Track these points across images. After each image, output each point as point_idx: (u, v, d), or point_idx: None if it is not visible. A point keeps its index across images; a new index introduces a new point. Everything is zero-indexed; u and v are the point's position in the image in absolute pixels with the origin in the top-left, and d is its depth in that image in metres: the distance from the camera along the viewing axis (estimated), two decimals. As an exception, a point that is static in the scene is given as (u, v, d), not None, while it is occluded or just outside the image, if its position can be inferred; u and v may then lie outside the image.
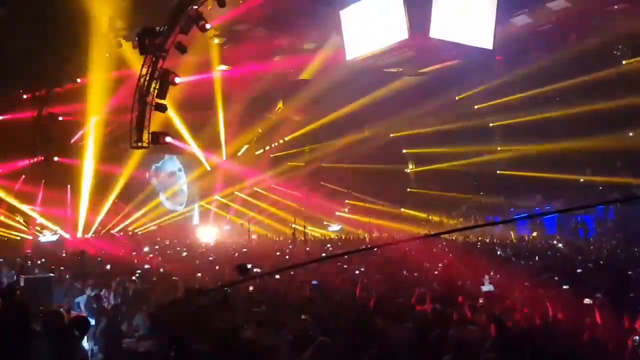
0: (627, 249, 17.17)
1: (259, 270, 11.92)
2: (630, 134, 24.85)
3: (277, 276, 11.02)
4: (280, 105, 29.11)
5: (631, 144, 24.36)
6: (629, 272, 11.81)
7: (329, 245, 22.13)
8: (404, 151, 33.33)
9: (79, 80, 21.66)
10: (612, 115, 22.35)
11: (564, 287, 9.93)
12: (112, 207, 27.30)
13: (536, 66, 22.35)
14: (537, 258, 15.51)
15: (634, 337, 6.54)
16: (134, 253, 19.34)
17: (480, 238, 23.32)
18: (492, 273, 11.29)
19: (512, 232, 25.56)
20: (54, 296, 9.90)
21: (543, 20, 20.25)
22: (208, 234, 29.14)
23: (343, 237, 27.54)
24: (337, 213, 33.31)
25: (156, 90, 15.38)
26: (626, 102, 22.49)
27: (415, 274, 12.79)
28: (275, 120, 30.21)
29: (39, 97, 21.93)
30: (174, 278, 12.13)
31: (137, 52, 15.96)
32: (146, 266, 14.71)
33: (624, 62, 22.67)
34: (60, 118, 22.87)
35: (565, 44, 20.85)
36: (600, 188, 25.38)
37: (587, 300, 8.26)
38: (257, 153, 32.89)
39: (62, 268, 13.98)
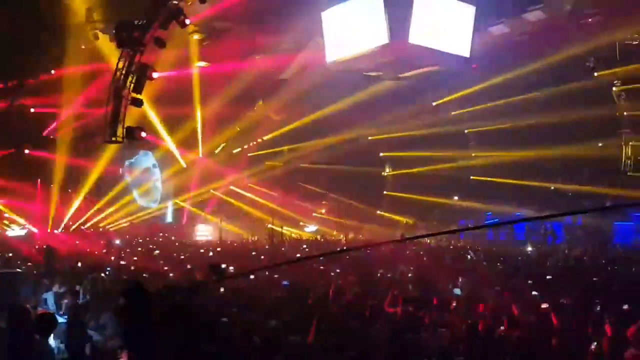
0: (594, 256, 17.57)
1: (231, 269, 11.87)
2: (600, 144, 25.46)
3: (252, 276, 10.97)
4: (259, 104, 29.01)
5: (600, 154, 24.99)
6: (595, 279, 12.09)
7: (305, 246, 22.13)
8: (381, 154, 33.55)
9: (53, 72, 21.28)
10: (583, 126, 22.85)
11: (532, 292, 10.14)
12: (83, 203, 26.82)
13: (511, 75, 22.75)
14: (507, 263, 15.79)
15: (593, 343, 6.71)
16: (104, 250, 19.06)
17: (452, 242, 23.59)
18: (461, 278, 11.42)
19: (484, 237, 25.96)
20: (21, 292, 9.69)
21: (519, 31, 20.62)
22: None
23: (319, 238, 27.58)
24: (314, 214, 33.33)
25: (132, 85, 15.20)
26: (596, 113, 23.06)
27: (389, 275, 12.88)
28: (254, 119, 30.08)
29: (11, 87, 21.47)
30: (144, 275, 12.01)
31: (114, 46, 15.75)
32: (122, 262, 14.53)
33: (595, 73, 23.25)
34: (33, 110, 22.40)
35: (539, 54, 21.25)
36: (570, 194, 25.96)
37: (544, 305, 8.43)
38: (234, 152, 32.69)
39: (29, 264, 13.72)
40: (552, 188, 27.15)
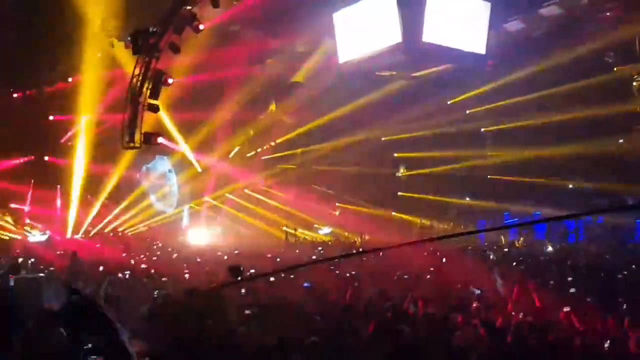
0: (615, 253, 17.33)
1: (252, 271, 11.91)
2: (620, 140, 25.07)
3: (272, 279, 11.00)
4: (272, 107, 29.08)
5: (621, 151, 24.61)
6: (619, 276, 11.94)
7: (320, 248, 22.12)
8: (395, 155, 33.43)
9: (70, 79, 21.57)
10: (602, 122, 22.54)
11: (555, 291, 10.05)
12: (102, 208, 27.13)
13: (528, 72, 22.51)
14: (528, 261, 15.65)
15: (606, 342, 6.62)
16: (124, 254, 19.23)
17: (471, 242, 23.37)
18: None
19: (502, 237, 25.68)
20: (44, 297, 9.79)
21: (535, 27, 20.43)
22: (199, 236, 29.10)
23: (334, 240, 27.55)
24: (328, 216, 33.29)
25: (149, 91, 15.35)
26: (617, 109, 22.69)
27: (406, 276, 12.81)
28: (267, 123, 30.17)
29: (30, 96, 21.80)
30: (163, 279, 12.12)
31: (130, 53, 15.94)
32: (143, 266, 14.68)
33: (615, 68, 22.89)
34: (52, 117, 22.73)
35: (557, 50, 21.02)
36: (589, 192, 25.61)
37: (566, 309, 8.32)
38: (248, 155, 32.80)
39: (51, 268, 13.88)
40: (570, 186, 26.84)
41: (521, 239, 25.27)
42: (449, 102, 27.07)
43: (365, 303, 9.00)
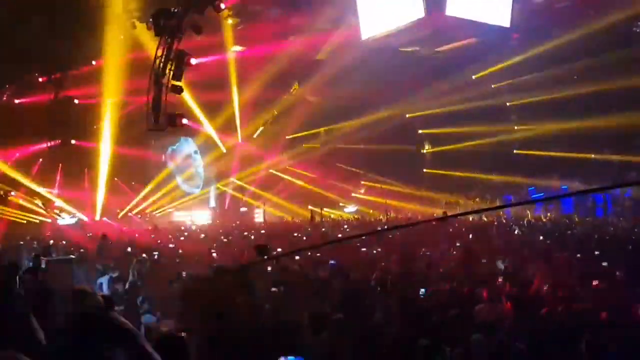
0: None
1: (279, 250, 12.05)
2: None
3: (297, 257, 11.09)
4: (295, 86, 28.95)
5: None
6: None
7: (345, 226, 22.19)
8: (420, 131, 33.10)
9: (94, 62, 21.72)
10: (630, 94, 21.95)
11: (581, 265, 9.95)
12: (130, 190, 27.55)
13: (554, 44, 21.94)
14: (555, 236, 15.48)
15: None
16: (152, 235, 19.58)
17: (496, 217, 23.19)
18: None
19: (528, 212, 25.42)
20: (75, 278, 10.04)
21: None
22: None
23: (359, 218, 27.56)
24: (353, 194, 33.30)
25: (172, 72, 15.39)
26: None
27: (428, 253, 12.80)
28: (291, 102, 30.09)
29: (55, 80, 21.99)
30: (192, 259, 12.33)
31: (152, 34, 15.94)
32: (170, 246, 14.94)
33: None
34: (77, 101, 22.96)
35: (583, 21, 20.42)
36: (618, 167, 25.08)
37: (594, 282, 8.25)
38: (272, 135, 32.85)
39: (82, 250, 14.21)
40: (593, 157, 26.31)
41: (548, 213, 24.97)
42: (473, 77, 26.59)
43: (391, 280, 9.01)
